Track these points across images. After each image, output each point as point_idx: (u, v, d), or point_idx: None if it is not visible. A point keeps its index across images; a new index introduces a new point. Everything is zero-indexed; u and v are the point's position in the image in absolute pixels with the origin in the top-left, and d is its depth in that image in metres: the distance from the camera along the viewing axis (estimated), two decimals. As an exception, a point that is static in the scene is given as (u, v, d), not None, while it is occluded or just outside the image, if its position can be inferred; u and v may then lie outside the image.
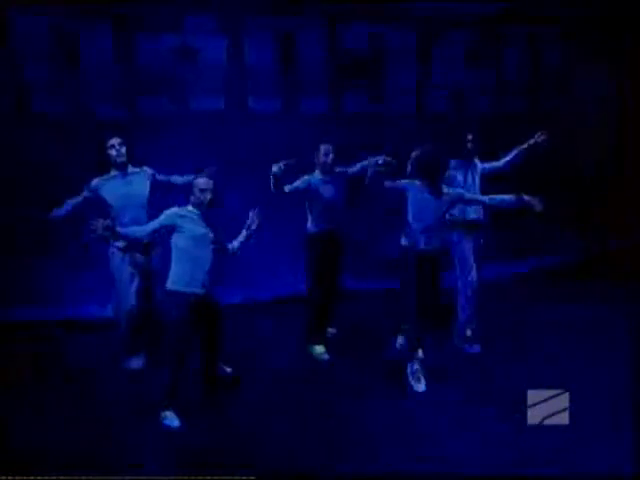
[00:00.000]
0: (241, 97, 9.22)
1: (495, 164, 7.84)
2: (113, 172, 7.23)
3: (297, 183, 7.39)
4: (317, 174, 7.54)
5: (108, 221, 6.16)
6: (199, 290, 6.34)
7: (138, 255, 7.13)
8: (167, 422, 6.28)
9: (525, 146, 7.74)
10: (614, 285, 9.28)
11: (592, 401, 6.30)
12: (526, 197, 6.70)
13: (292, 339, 7.96)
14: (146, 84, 8.79)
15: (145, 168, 7.36)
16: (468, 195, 7.19)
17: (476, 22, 9.84)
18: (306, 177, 7.47)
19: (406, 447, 5.89)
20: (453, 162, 7.59)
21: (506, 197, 6.84)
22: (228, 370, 7.01)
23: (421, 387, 6.89)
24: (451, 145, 7.67)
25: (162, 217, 6.34)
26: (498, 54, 10.08)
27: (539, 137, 7.71)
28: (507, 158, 7.83)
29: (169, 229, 6.33)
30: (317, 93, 9.49)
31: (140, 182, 7.24)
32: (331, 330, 8.03)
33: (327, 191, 7.51)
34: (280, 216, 8.84)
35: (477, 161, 7.79)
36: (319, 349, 7.67)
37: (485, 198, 7.18)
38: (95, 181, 7.17)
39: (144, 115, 8.87)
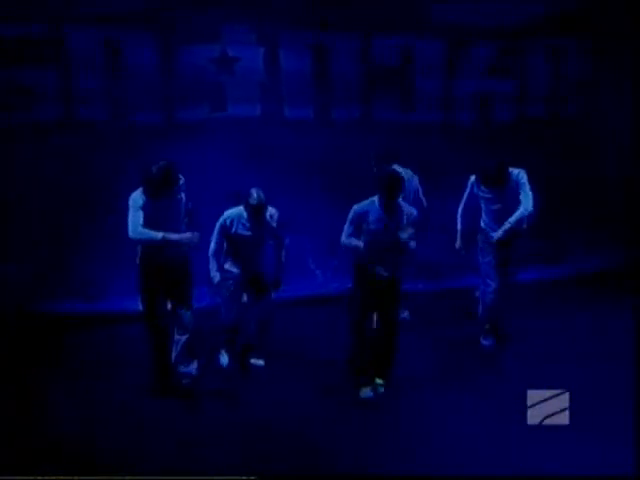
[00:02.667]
0: (277, 105, 9.14)
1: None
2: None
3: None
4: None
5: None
6: (248, 272, 7.03)
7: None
8: (221, 359, 7.22)
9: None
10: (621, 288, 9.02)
11: (592, 401, 6.09)
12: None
13: (300, 341, 7.90)
14: (186, 92, 8.77)
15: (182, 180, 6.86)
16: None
17: (501, 34, 9.67)
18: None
19: (406, 447, 5.78)
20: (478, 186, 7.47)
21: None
22: (260, 362, 7.27)
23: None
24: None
25: (217, 228, 6.95)
26: (522, 64, 9.88)
27: None
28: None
29: (225, 232, 6.94)
30: (349, 102, 9.36)
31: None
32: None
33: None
34: (310, 217, 8.91)
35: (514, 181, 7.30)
36: None
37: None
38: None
39: (184, 121, 8.82)
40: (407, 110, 9.59)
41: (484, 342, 7.68)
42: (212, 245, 6.99)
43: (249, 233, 6.91)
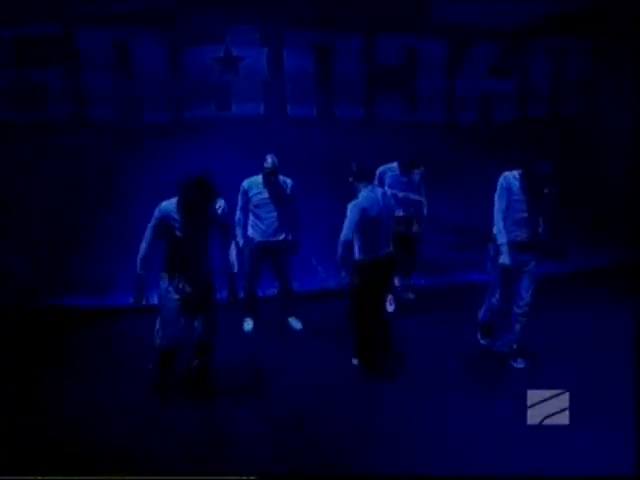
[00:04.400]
0: (281, 104, 9.05)
1: None
2: None
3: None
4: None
5: None
6: (267, 238, 7.57)
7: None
8: (245, 326, 7.84)
9: None
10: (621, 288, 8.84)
11: (592, 401, 5.93)
12: None
13: (302, 339, 7.79)
14: (192, 91, 8.68)
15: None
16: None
17: (501, 34, 9.54)
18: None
19: (406, 447, 5.62)
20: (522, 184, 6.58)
21: None
22: (298, 325, 7.97)
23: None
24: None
25: (240, 193, 7.56)
26: (522, 64, 9.72)
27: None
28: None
29: (245, 196, 7.56)
30: (352, 101, 9.23)
31: None
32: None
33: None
34: (313, 215, 8.77)
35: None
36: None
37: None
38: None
39: (190, 120, 8.72)
40: (409, 110, 9.46)
41: (482, 342, 7.41)
42: (237, 212, 7.57)
43: (266, 196, 7.48)
